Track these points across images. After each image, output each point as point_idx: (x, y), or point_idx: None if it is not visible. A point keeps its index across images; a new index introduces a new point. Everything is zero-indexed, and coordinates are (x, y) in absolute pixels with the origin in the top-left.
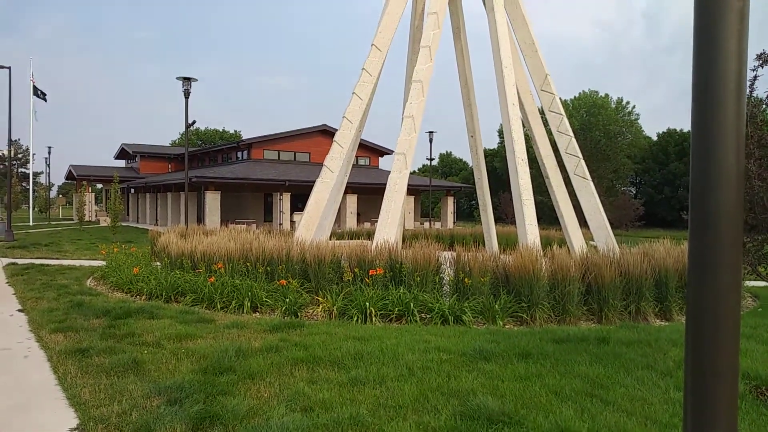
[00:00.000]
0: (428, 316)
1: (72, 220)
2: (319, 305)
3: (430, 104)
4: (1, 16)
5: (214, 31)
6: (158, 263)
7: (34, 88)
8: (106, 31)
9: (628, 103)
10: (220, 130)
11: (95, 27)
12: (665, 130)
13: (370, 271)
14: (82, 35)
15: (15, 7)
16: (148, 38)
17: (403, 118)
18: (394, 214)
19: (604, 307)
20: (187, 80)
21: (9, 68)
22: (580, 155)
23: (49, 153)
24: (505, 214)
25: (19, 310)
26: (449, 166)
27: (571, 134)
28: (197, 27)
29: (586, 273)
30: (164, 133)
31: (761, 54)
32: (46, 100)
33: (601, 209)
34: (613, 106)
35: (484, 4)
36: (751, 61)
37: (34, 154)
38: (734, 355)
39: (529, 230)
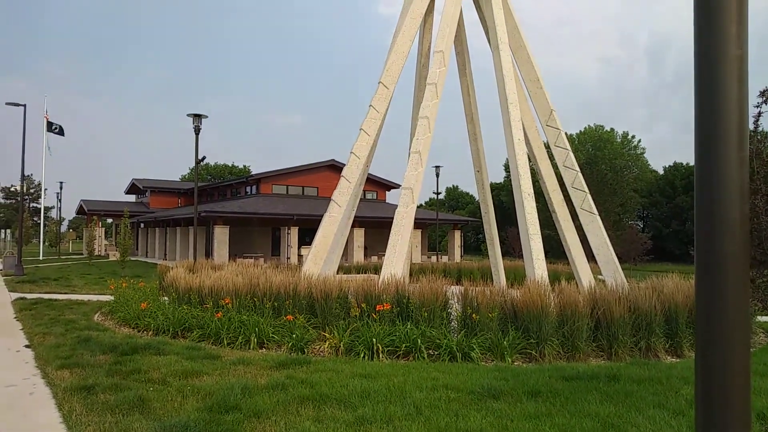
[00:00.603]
0: (436, 352)
1: (81, 254)
2: (325, 341)
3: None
4: (17, 57)
5: (227, 69)
6: (166, 298)
7: (49, 123)
8: (120, 71)
9: (633, 137)
10: (230, 165)
11: (108, 67)
12: (671, 164)
13: (377, 306)
14: (95, 75)
15: (29, 49)
16: (160, 77)
17: (409, 154)
18: (402, 249)
19: (614, 343)
20: (197, 117)
21: (24, 106)
22: (587, 190)
23: (61, 188)
24: (512, 248)
25: (26, 346)
26: (456, 199)
27: (577, 169)
28: (210, 66)
29: (594, 308)
30: (175, 169)
31: (765, 91)
32: (63, 134)
33: (609, 244)
34: (619, 140)
35: (489, 42)
36: (755, 98)
37: (46, 189)
38: (745, 394)
39: (537, 265)
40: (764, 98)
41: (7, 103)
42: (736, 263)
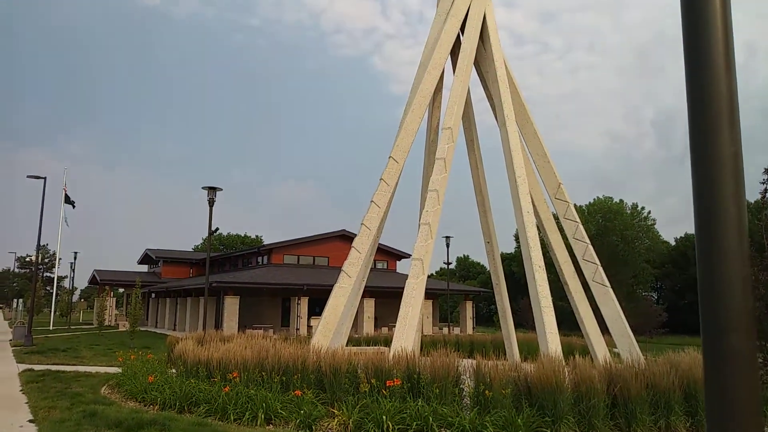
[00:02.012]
0: (448, 431)
1: (92, 324)
2: (334, 418)
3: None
4: (42, 132)
5: (242, 141)
6: (174, 370)
7: (66, 196)
8: (136, 144)
9: (643, 208)
10: (242, 235)
11: (125, 141)
12: (683, 235)
13: (387, 381)
14: (113, 148)
15: (53, 123)
16: (176, 150)
17: (419, 225)
18: (412, 321)
19: (632, 421)
20: (212, 190)
21: (45, 179)
22: (598, 262)
23: (75, 258)
24: (525, 320)
25: (30, 421)
26: (467, 269)
27: (588, 241)
28: (225, 138)
29: (610, 384)
30: (188, 239)
31: None
32: (74, 207)
33: (623, 316)
34: (629, 211)
35: (496, 118)
36: (761, 175)
37: (60, 258)
38: None
39: (550, 338)
40: None
41: (29, 176)
42: (741, 331)
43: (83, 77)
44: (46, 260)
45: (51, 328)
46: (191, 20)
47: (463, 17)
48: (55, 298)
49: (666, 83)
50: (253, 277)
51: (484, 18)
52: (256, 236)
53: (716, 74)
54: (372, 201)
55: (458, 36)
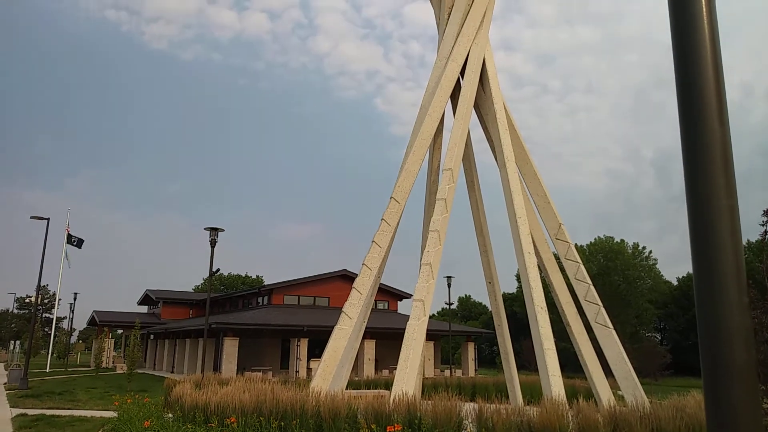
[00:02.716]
0: None
1: (89, 366)
2: None
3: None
4: (46, 172)
5: (243, 182)
6: (170, 415)
7: (69, 235)
8: (138, 184)
9: (644, 248)
10: (243, 276)
11: (129, 181)
12: (685, 275)
13: (388, 427)
14: (116, 188)
15: (56, 164)
16: (179, 191)
17: (420, 265)
18: (413, 364)
19: None
20: (214, 230)
21: (48, 219)
22: (600, 303)
23: (75, 299)
24: (528, 361)
25: None
26: (469, 309)
27: (589, 282)
28: (226, 178)
29: (615, 429)
30: (189, 279)
31: (767, 210)
32: (81, 247)
33: (626, 358)
34: (630, 251)
35: (496, 159)
36: (760, 217)
37: (60, 299)
38: None
39: (553, 381)
40: None
41: (32, 217)
42: (742, 383)
43: (89, 118)
44: (46, 301)
45: (48, 370)
46: (197, 64)
47: (462, 62)
48: (53, 340)
49: (664, 124)
50: (252, 318)
51: (484, 62)
52: (257, 276)
53: (710, 130)
54: (373, 241)
55: (458, 80)
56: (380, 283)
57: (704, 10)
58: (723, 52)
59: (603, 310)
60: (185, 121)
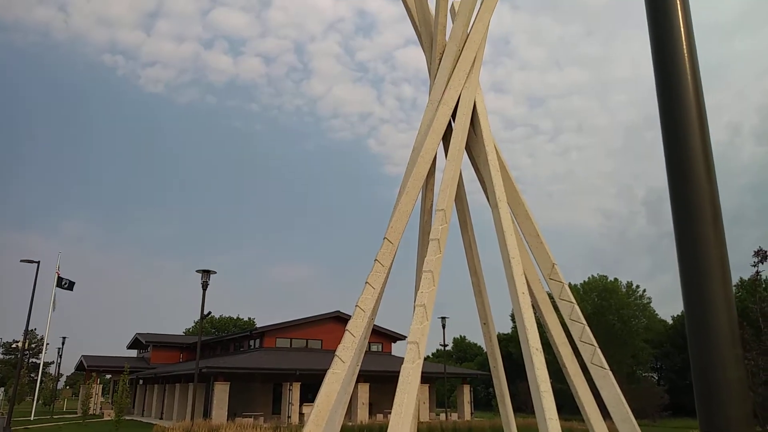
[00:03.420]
0: None
1: (76, 413)
2: None
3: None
4: (35, 215)
5: (235, 223)
6: None
7: (59, 279)
8: (131, 226)
9: (638, 287)
10: (234, 318)
11: (121, 223)
12: (679, 313)
13: None
14: (107, 231)
15: (51, 206)
16: (171, 233)
17: (414, 307)
18: (408, 409)
19: None
20: (206, 273)
21: (38, 263)
22: (596, 344)
23: (63, 343)
24: (524, 404)
25: None
26: (464, 350)
27: (584, 322)
28: (220, 219)
29: None
30: (179, 322)
31: (759, 251)
32: (72, 289)
33: (623, 400)
34: (624, 290)
35: (488, 200)
36: (751, 258)
37: (48, 344)
38: None
39: (550, 425)
40: (759, 258)
41: (22, 260)
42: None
43: (82, 160)
44: (33, 345)
45: (32, 418)
46: (192, 107)
47: (454, 105)
48: (40, 386)
49: (655, 163)
50: (244, 361)
51: (475, 105)
52: (249, 318)
53: (698, 183)
54: (367, 282)
55: (450, 122)
56: (374, 325)
57: (685, 55)
58: (710, 93)
59: (599, 350)
60: (179, 163)
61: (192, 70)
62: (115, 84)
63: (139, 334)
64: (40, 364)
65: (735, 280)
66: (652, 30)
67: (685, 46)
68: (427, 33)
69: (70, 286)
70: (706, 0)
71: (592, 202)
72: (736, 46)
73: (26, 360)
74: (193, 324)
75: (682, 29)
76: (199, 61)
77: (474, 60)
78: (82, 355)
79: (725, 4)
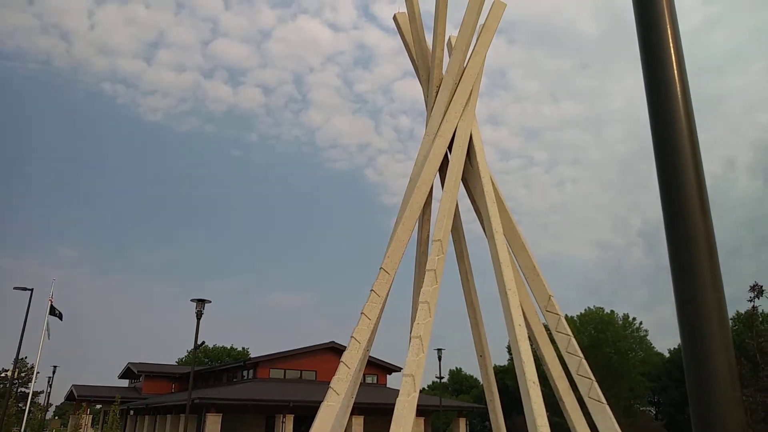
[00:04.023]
0: None
1: None
2: None
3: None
4: (28, 239)
5: (229, 251)
6: None
7: (51, 307)
8: (126, 253)
9: (634, 319)
10: (228, 348)
11: (116, 249)
12: (676, 347)
13: None
14: (102, 257)
15: (40, 232)
16: (166, 259)
17: (410, 339)
18: None
19: None
20: (200, 302)
21: (31, 290)
22: (593, 377)
23: (54, 372)
24: None
25: None
26: (460, 383)
27: (581, 355)
28: (216, 247)
29: None
30: (172, 351)
31: (754, 286)
32: (61, 319)
33: None
34: (620, 322)
35: (485, 231)
36: (747, 293)
37: (38, 372)
38: None
39: None
40: (755, 293)
41: (15, 288)
42: None
43: (78, 183)
44: (23, 374)
45: None
46: (191, 135)
47: (450, 137)
48: (28, 416)
49: (651, 195)
50: (236, 392)
51: (471, 137)
52: (243, 348)
53: (694, 225)
54: (362, 313)
55: (446, 154)
56: (369, 356)
57: (678, 89)
58: (704, 127)
59: (596, 384)
60: (176, 190)
61: (192, 99)
62: (115, 112)
63: (131, 363)
64: (29, 393)
65: (731, 313)
66: (645, 65)
67: (677, 81)
68: (424, 66)
69: (60, 316)
70: (697, 37)
71: (588, 233)
72: (729, 81)
73: (15, 389)
74: (186, 353)
75: (674, 64)
76: (199, 90)
77: (470, 93)
78: (73, 385)
79: (716, 42)
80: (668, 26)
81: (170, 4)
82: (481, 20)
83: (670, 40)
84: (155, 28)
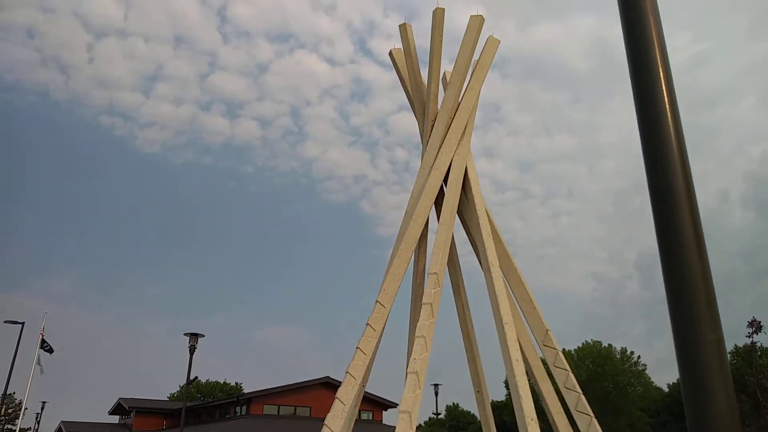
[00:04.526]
0: None
1: None
2: None
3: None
4: (20, 273)
5: (223, 285)
6: None
7: (42, 340)
8: (118, 286)
9: (632, 353)
10: (221, 383)
11: (108, 282)
12: (675, 381)
13: None
14: (93, 291)
15: (35, 266)
16: (158, 293)
17: (406, 374)
18: None
19: None
20: (194, 336)
21: (22, 324)
22: (591, 413)
23: (42, 408)
24: None
25: None
26: (457, 419)
27: (579, 390)
28: (209, 280)
29: None
30: (163, 385)
31: (752, 321)
32: (51, 353)
33: None
34: (618, 356)
35: (481, 263)
36: (744, 326)
37: (26, 408)
38: None
39: None
40: (754, 328)
41: (6, 321)
42: None
43: (72, 216)
44: (10, 410)
45: None
46: (187, 167)
47: (445, 170)
48: None
49: (645, 228)
50: (229, 429)
51: (466, 170)
52: (236, 383)
53: (691, 268)
54: (358, 348)
55: (441, 187)
56: (365, 391)
57: (670, 123)
58: (696, 160)
59: (595, 421)
60: (170, 223)
61: (189, 131)
62: (112, 144)
63: (122, 398)
64: (15, 430)
65: (729, 347)
66: (637, 100)
67: (669, 116)
68: (419, 101)
69: (50, 350)
70: (688, 72)
71: (584, 265)
72: (720, 116)
73: (1, 426)
74: (178, 388)
75: (666, 99)
76: (196, 122)
77: (465, 127)
78: (62, 421)
79: (707, 78)
80: (659, 62)
81: (169, 38)
82: (476, 56)
83: (661, 76)
84: (154, 61)
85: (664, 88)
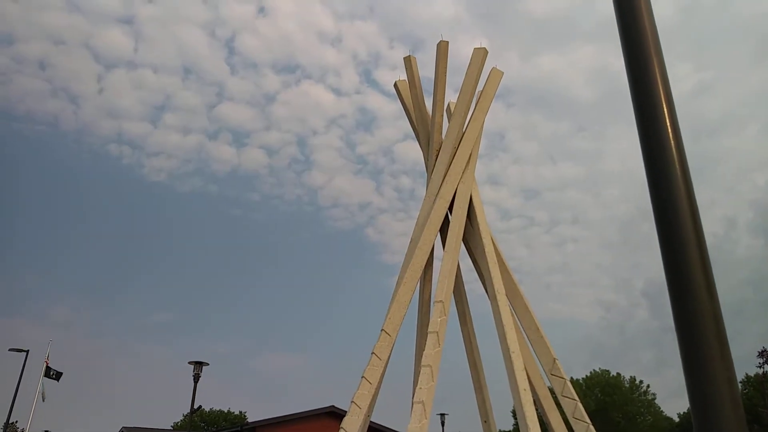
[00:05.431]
0: None
1: None
2: None
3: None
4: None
5: (227, 313)
6: None
7: (47, 368)
8: (122, 314)
9: (641, 382)
10: (225, 411)
11: (112, 310)
12: (686, 410)
13: None
14: (98, 318)
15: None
16: (162, 321)
17: (413, 404)
18: None
19: None
20: (198, 364)
21: (27, 351)
22: None
23: None
24: None
25: None
26: None
27: (588, 421)
28: (214, 308)
29: None
30: (168, 414)
31: (762, 351)
32: (58, 380)
33: None
34: (627, 385)
35: (487, 291)
36: (754, 355)
37: None
38: None
39: None
40: (764, 359)
41: (11, 349)
42: None
43: (75, 243)
44: None
45: None
46: (193, 196)
47: (450, 198)
48: None
49: (652, 255)
50: None
51: (471, 198)
52: (240, 412)
53: (701, 305)
54: (363, 377)
55: (447, 215)
56: (371, 421)
57: (674, 151)
58: (701, 189)
59: None
60: (174, 250)
61: (196, 160)
62: (119, 172)
63: (125, 427)
64: None
65: (740, 376)
66: (640, 129)
67: (673, 144)
68: (424, 131)
69: (58, 376)
70: (691, 101)
71: (591, 293)
72: (724, 144)
73: None
74: (182, 417)
75: (669, 128)
76: (203, 151)
77: (470, 156)
78: None
79: (710, 106)
80: (661, 92)
81: (178, 69)
82: (480, 87)
83: (664, 105)
84: (162, 92)
85: (667, 116)
